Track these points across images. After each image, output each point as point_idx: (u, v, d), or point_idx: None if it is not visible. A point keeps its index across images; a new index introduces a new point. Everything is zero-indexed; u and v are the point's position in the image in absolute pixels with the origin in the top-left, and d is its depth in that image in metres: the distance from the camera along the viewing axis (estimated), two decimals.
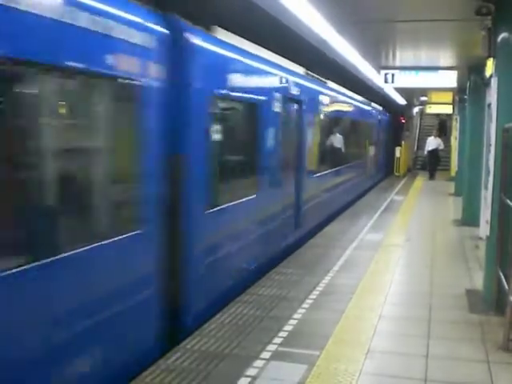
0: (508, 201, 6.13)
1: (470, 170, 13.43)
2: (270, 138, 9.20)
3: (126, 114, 5.34)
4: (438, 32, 9.98)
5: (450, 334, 6.15)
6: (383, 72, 14.25)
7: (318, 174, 12.71)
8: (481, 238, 10.31)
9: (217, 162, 7.09)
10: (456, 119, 21.82)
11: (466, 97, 15.62)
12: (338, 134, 14.97)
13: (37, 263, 4.00)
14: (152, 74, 5.59)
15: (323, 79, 13.93)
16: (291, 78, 10.36)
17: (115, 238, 4.95)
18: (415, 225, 13.43)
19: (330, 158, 14.27)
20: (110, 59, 4.82)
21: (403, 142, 29.31)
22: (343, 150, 15.53)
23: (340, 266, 8.97)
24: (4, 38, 3.72)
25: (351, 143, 17.33)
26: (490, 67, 8.19)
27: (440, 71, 14.16)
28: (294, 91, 10.51)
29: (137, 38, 5.26)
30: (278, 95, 9.43)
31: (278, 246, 9.73)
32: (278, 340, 5.81)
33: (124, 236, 5.07)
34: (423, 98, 24.84)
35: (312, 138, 12.22)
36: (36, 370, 4.13)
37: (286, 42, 11.03)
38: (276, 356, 5.43)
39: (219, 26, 7.44)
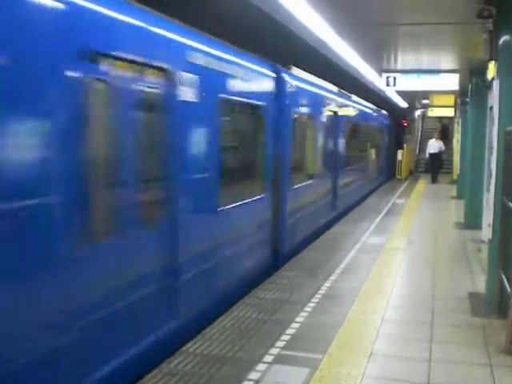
0: (510, 204, 6.12)
1: (471, 173, 13.42)
2: (323, 141, 13.22)
3: (261, 126, 9.09)
4: (439, 35, 9.99)
5: (452, 338, 6.15)
6: (385, 75, 14.25)
7: (348, 168, 16.54)
8: (483, 241, 10.30)
9: (292, 159, 10.51)
10: (458, 122, 21.81)
11: (467, 100, 15.61)
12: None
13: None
14: (270, 99, 9.32)
15: (347, 93, 16.95)
16: (332, 96, 14.34)
17: (259, 197, 8.83)
18: (417, 228, 13.43)
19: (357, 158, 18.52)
20: (258, 94, 8.90)
21: (405, 145, 29.30)
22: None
23: (342, 269, 8.96)
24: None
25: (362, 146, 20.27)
26: (491, 70, 8.19)
27: (442, 74, 14.16)
28: (333, 106, 14.12)
29: (264, 79, 9.22)
30: (325, 109, 13.38)
31: (325, 217, 13.51)
32: (280, 343, 5.81)
33: (260, 196, 8.91)
34: (425, 101, 24.82)
35: (348, 141, 16.21)
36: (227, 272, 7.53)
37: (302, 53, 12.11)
38: (278, 359, 5.42)
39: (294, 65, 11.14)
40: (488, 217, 7.35)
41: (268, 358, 5.44)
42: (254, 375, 5.07)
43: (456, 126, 23.48)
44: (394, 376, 5.16)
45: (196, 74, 6.37)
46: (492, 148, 7.10)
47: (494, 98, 7.08)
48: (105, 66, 4.80)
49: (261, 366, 5.26)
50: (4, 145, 3.81)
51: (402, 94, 22.30)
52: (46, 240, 4.16)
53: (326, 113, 13.34)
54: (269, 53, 10.01)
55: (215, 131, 7.08)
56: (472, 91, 14.13)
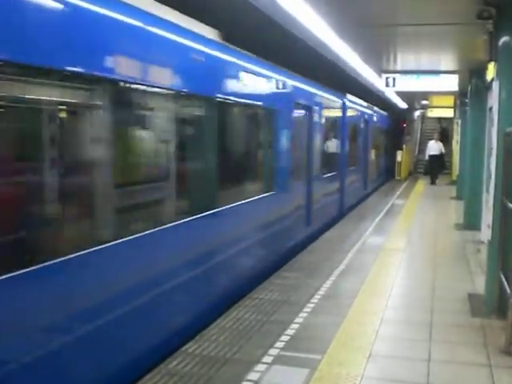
0: (510, 204, 6.12)
1: (471, 174, 13.42)
2: (362, 142, 19.47)
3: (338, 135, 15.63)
4: (439, 36, 9.99)
5: (451, 338, 6.15)
6: (384, 76, 14.26)
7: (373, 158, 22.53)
8: (482, 242, 10.30)
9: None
10: (457, 123, 21.81)
11: (467, 100, 15.61)
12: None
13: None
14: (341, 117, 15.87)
15: (371, 105, 22.08)
16: (363, 109, 19.99)
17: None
18: (417, 228, 13.43)
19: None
20: (338, 114, 15.66)
21: (404, 146, 29.31)
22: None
23: (342, 270, 8.96)
24: None
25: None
26: (491, 71, 8.19)
27: (441, 75, 14.16)
28: (363, 115, 19.81)
29: (339, 104, 15.55)
30: (362, 119, 19.54)
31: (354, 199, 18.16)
32: (279, 344, 5.81)
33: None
34: (424, 102, 24.83)
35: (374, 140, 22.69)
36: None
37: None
38: (278, 360, 5.42)
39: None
40: (487, 218, 7.35)
41: (267, 359, 5.44)
42: (253, 376, 5.07)
43: (455, 126, 23.48)
44: (394, 376, 5.16)
45: (316, 106, 12.46)
46: (491, 149, 7.10)
47: (493, 99, 7.08)
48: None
49: (260, 367, 5.25)
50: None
51: (401, 94, 22.32)
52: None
53: (362, 121, 19.38)
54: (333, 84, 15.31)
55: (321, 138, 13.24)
56: (471, 92, 14.13)
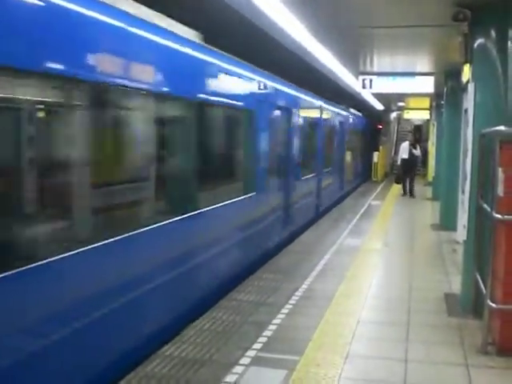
0: (485, 205, 6.18)
1: (447, 175, 13.52)
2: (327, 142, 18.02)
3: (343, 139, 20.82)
4: (414, 38, 10.04)
5: (428, 338, 6.18)
6: (361, 77, 14.31)
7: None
8: (458, 242, 10.38)
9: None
10: (433, 124, 21.95)
11: (442, 102, 15.73)
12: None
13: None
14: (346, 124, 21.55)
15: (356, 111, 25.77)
16: (352, 116, 23.92)
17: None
18: (393, 229, 13.50)
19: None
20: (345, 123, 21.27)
21: (381, 147, 29.48)
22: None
23: (319, 272, 8.97)
24: None
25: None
26: (466, 73, 8.25)
27: (417, 77, 14.23)
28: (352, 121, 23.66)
29: (346, 115, 21.95)
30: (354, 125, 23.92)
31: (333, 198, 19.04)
32: (257, 345, 5.80)
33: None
34: (401, 104, 24.94)
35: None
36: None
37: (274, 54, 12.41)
38: (255, 361, 5.41)
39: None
40: (463, 218, 7.40)
41: (245, 360, 5.43)
42: (230, 377, 5.05)
43: (431, 128, 23.58)
44: (371, 376, 5.18)
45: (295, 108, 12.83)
46: (467, 150, 7.15)
47: (468, 101, 7.13)
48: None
49: (238, 369, 5.24)
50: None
51: (378, 96, 22.42)
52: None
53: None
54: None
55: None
56: (447, 94, 14.25)
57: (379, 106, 28.96)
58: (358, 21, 8.74)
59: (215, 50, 7.96)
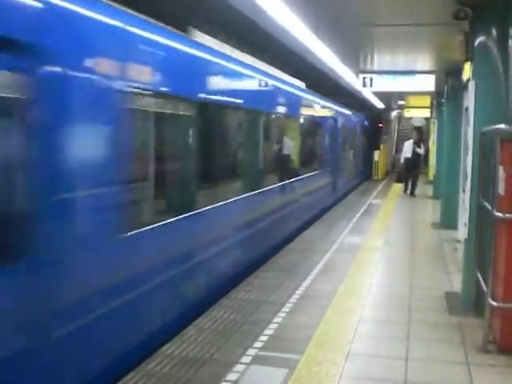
0: (486, 203, 6.17)
1: (448, 174, 13.51)
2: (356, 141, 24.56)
3: (355, 138, 25.21)
4: (415, 36, 10.04)
5: (429, 337, 6.18)
6: (361, 76, 14.30)
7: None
8: (459, 241, 10.37)
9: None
10: (434, 123, 21.92)
11: (443, 101, 15.73)
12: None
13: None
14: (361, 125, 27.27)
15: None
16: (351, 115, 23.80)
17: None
18: (394, 228, 13.49)
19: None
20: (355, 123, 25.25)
21: (382, 146, 29.47)
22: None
23: (320, 270, 8.97)
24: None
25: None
26: (467, 71, 8.25)
27: (418, 75, 14.24)
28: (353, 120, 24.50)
29: (356, 118, 25.64)
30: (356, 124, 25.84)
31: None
32: (258, 344, 5.80)
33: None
34: (401, 102, 24.91)
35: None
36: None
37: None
38: (256, 360, 5.41)
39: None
40: (464, 216, 7.39)
41: (246, 359, 5.42)
42: (231, 376, 5.05)
43: (432, 126, 23.54)
44: (372, 375, 5.17)
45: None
46: (468, 148, 7.14)
47: (469, 99, 7.12)
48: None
49: (238, 367, 5.24)
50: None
51: (378, 95, 22.41)
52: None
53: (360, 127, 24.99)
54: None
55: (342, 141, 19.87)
56: (448, 92, 14.23)
57: (380, 105, 28.95)
58: (358, 19, 8.74)
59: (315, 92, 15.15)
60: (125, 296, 5.41)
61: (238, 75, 9.08)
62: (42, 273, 4.26)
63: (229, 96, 8.48)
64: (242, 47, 9.85)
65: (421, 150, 20.84)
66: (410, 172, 20.47)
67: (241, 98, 8.96)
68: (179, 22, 7.23)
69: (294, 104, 13.02)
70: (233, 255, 8.62)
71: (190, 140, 7.23)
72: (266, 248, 10.19)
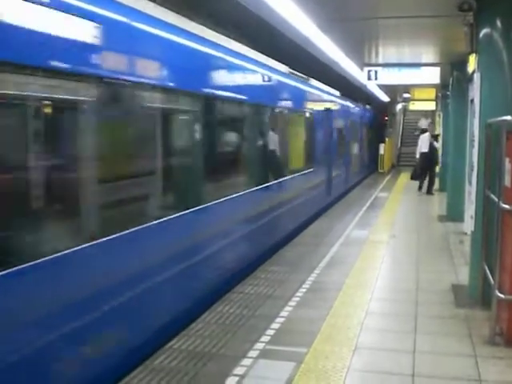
0: (492, 196, 6.16)
1: (454, 166, 13.50)
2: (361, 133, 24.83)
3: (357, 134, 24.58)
4: (420, 28, 10.00)
5: (436, 329, 6.17)
6: (366, 69, 14.27)
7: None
8: (465, 233, 10.36)
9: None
10: (439, 115, 21.85)
11: (448, 93, 15.67)
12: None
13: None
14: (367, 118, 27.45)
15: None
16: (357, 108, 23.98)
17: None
18: (400, 221, 13.48)
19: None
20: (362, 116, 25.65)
21: (387, 139, 29.42)
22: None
23: (326, 263, 8.98)
24: None
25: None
26: (472, 63, 8.23)
27: (423, 67, 14.19)
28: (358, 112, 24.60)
29: (363, 110, 26.20)
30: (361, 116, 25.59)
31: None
32: (265, 338, 5.81)
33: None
34: (406, 95, 24.87)
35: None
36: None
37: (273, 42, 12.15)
38: (263, 354, 5.42)
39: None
40: (470, 209, 7.38)
41: (253, 353, 5.43)
42: (239, 370, 5.06)
43: (437, 119, 23.47)
44: (379, 368, 5.18)
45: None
46: (473, 141, 7.13)
47: (474, 91, 7.11)
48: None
49: (246, 361, 5.25)
50: None
51: (383, 88, 22.37)
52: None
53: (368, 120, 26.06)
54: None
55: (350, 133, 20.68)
56: (453, 84, 14.18)
57: (385, 98, 28.88)
58: (362, 12, 8.71)
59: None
60: None
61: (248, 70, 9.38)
62: None
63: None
64: (240, 38, 9.84)
65: (438, 144, 19.11)
66: (427, 168, 18.60)
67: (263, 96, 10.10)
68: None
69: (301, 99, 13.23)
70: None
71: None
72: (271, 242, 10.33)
